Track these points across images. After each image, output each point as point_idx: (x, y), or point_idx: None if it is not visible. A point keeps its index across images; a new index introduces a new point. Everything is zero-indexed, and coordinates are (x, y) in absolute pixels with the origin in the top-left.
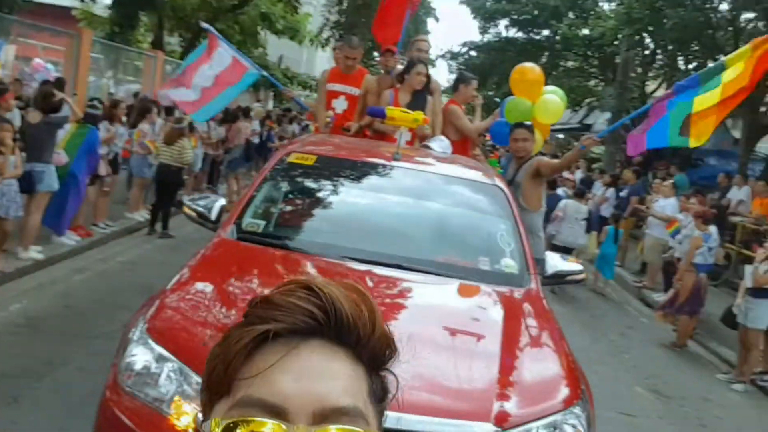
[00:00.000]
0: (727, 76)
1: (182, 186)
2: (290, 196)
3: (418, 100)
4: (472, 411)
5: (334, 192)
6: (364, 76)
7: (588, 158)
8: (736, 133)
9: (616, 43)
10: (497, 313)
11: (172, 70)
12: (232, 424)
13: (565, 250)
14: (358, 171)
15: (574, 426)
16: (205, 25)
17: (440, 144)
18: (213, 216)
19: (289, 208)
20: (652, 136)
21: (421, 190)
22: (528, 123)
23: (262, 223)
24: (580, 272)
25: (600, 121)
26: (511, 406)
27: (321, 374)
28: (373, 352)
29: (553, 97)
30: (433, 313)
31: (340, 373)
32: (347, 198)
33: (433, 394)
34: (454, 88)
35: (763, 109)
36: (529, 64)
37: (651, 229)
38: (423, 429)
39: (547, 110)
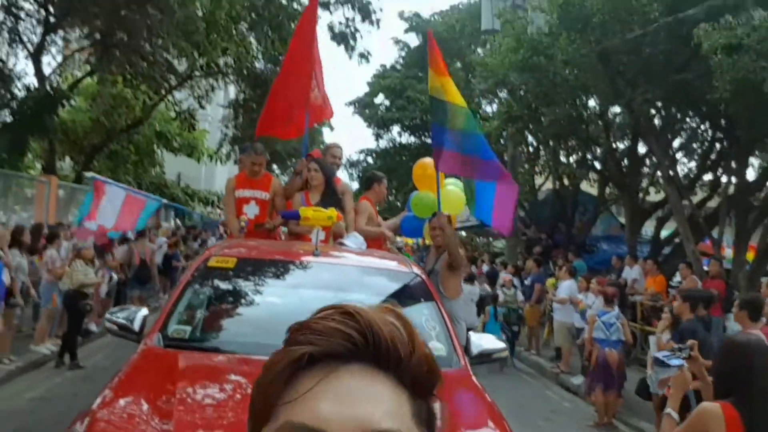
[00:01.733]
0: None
1: (85, 313)
2: (214, 299)
3: (328, 200)
4: None
5: (258, 291)
6: (271, 180)
7: (491, 252)
8: (622, 219)
9: (502, 141)
10: None
11: (65, 195)
12: None
13: None
14: (280, 269)
15: None
16: (89, 174)
17: (354, 240)
18: (136, 327)
19: (214, 311)
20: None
21: (344, 282)
22: (445, 213)
23: (188, 329)
24: (503, 350)
25: None
26: None
27: (361, 397)
28: (414, 375)
29: (454, 188)
30: None
31: (381, 395)
32: (272, 296)
33: None
34: (367, 186)
35: (640, 195)
36: (428, 159)
37: (556, 313)
38: None
39: (449, 200)
